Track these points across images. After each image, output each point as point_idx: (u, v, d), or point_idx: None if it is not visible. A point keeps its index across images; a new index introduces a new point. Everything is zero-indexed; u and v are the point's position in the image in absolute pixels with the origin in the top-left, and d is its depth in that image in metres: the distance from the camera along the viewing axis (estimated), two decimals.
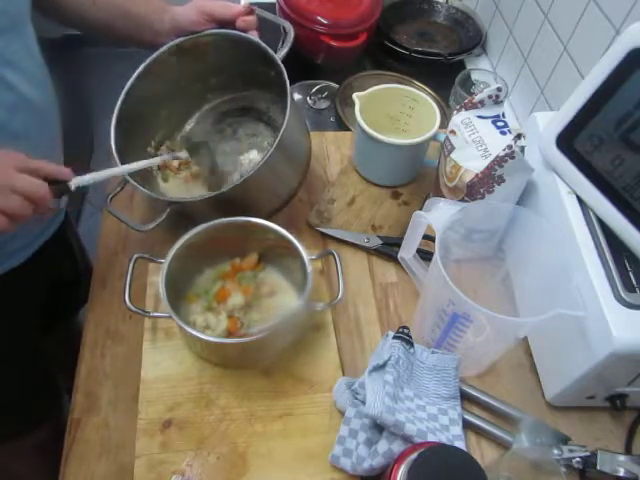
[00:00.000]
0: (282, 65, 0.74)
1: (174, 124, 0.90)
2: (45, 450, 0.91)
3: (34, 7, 0.68)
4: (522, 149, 0.71)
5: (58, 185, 0.62)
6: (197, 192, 0.84)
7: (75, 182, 0.64)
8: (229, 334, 0.71)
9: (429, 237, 0.75)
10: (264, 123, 0.91)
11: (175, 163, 0.85)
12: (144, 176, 0.80)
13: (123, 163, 0.74)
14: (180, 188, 0.85)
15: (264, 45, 0.75)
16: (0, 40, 0.62)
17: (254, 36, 0.77)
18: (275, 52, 0.76)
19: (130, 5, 0.77)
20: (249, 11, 0.77)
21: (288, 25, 0.78)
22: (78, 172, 0.65)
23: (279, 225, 0.73)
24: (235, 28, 0.77)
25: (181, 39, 0.79)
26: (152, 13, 0.78)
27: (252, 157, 0.88)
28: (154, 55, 0.79)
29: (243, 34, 0.77)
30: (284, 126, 0.71)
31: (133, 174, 0.74)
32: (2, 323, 0.80)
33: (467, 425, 0.69)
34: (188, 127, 0.91)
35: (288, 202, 0.83)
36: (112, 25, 0.78)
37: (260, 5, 0.82)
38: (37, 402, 0.96)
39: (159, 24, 0.78)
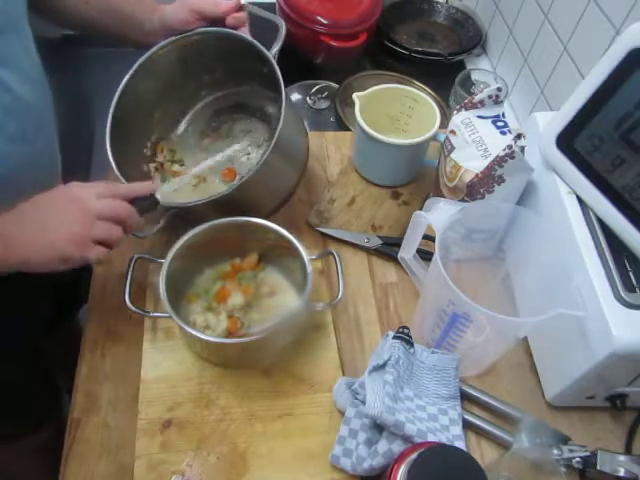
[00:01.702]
0: (274, 62, 0.74)
1: (168, 124, 0.90)
2: (46, 450, 0.91)
3: (28, 7, 0.68)
4: (522, 149, 0.71)
5: (146, 201, 0.66)
6: (195, 194, 0.84)
7: (160, 193, 0.68)
8: (229, 334, 0.71)
9: (429, 237, 0.75)
10: (259, 119, 0.91)
11: (175, 167, 0.86)
12: (143, 179, 0.80)
13: (119, 166, 0.73)
14: (178, 191, 0.85)
15: (256, 42, 0.75)
16: None
17: (245, 33, 0.77)
18: (269, 49, 0.75)
19: (121, 4, 0.77)
20: (239, 8, 0.77)
21: (280, 21, 0.78)
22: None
23: (279, 225, 0.73)
24: (225, 25, 0.77)
25: (172, 38, 0.79)
26: (142, 12, 0.78)
27: (250, 154, 0.88)
28: (145, 55, 0.79)
29: (234, 31, 0.77)
30: (280, 125, 0.71)
31: (131, 178, 0.73)
32: (1, 323, 0.80)
33: (467, 425, 0.69)
34: (182, 126, 0.92)
35: (287, 201, 0.83)
36: (104, 24, 0.78)
37: (260, 5, 0.82)
38: (37, 402, 0.96)
39: (149, 24, 0.78)
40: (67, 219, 0.59)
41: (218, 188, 0.85)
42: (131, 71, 0.79)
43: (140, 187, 0.66)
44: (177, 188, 0.75)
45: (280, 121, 0.71)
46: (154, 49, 0.79)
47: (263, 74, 0.80)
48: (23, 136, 0.67)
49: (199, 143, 0.91)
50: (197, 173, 0.86)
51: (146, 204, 0.66)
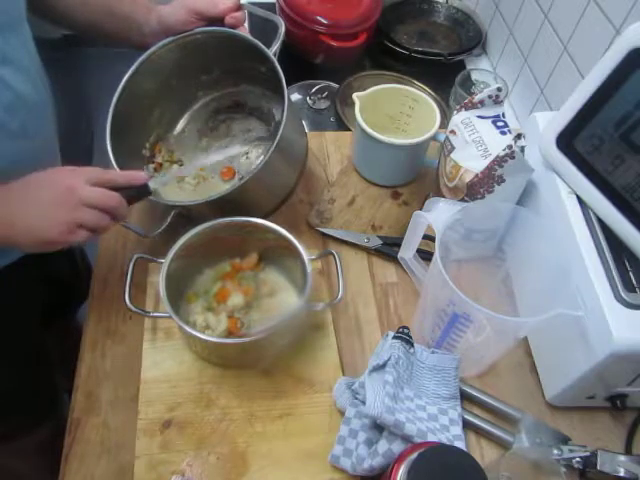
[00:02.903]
0: (275, 60, 0.74)
1: (166, 124, 0.90)
2: (46, 450, 0.91)
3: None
4: (522, 149, 0.71)
5: (138, 190, 0.66)
6: (195, 193, 0.85)
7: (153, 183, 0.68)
8: (229, 334, 0.71)
9: (429, 237, 0.75)
10: (256, 118, 0.91)
11: (175, 167, 0.86)
12: None
13: (120, 166, 0.74)
14: (177, 192, 0.86)
15: (256, 41, 0.75)
16: None
17: (244, 32, 0.77)
18: (269, 48, 0.75)
19: (117, 5, 0.77)
20: (237, 7, 0.77)
21: (279, 20, 0.78)
22: None
23: (279, 225, 0.72)
24: (224, 25, 0.77)
25: (171, 38, 0.79)
26: (138, 13, 0.78)
27: (249, 153, 0.88)
28: (145, 55, 0.79)
29: (234, 31, 0.77)
30: (282, 125, 0.71)
31: None
32: (1, 322, 0.80)
33: (467, 425, 0.69)
34: (180, 127, 0.92)
35: (286, 200, 0.83)
36: (100, 25, 0.79)
37: (260, 5, 0.82)
38: (37, 402, 0.96)
39: (146, 25, 0.78)
40: (52, 204, 0.59)
41: (218, 187, 0.85)
42: (130, 71, 0.79)
43: (133, 176, 0.66)
44: (169, 180, 0.75)
45: (283, 119, 0.71)
46: (153, 49, 0.79)
47: (262, 73, 0.81)
48: (24, 133, 0.68)
49: (197, 143, 0.91)
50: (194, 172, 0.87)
51: (135, 193, 0.66)
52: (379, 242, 0.86)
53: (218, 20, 0.77)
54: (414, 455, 0.53)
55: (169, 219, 0.73)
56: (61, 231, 0.59)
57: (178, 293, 0.73)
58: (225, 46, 0.80)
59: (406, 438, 0.62)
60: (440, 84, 1.19)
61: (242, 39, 0.77)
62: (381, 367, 0.66)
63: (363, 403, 0.65)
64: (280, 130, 0.71)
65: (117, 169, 0.73)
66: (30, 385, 0.92)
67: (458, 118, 0.79)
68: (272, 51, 0.75)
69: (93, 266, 0.83)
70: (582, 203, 0.69)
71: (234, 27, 0.77)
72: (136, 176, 0.66)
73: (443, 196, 0.82)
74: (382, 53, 1.31)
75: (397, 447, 0.61)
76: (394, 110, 0.97)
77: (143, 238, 0.73)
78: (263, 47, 0.75)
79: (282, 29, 0.77)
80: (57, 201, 0.59)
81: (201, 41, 0.80)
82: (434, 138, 0.88)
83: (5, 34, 0.63)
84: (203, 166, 0.88)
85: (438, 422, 0.66)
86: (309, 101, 1.21)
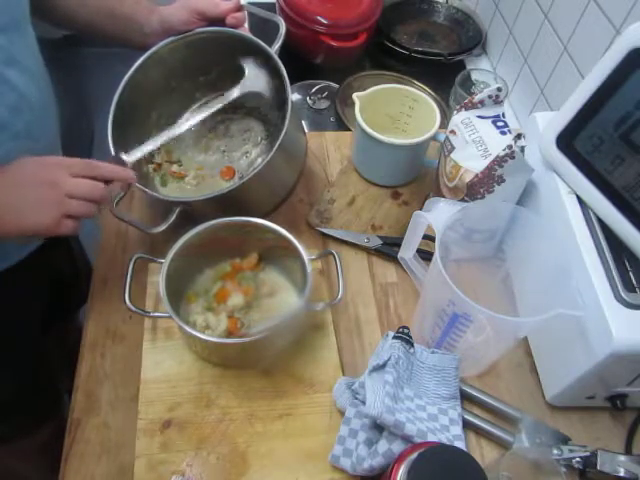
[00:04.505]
0: (277, 58, 0.74)
1: (164, 125, 0.90)
2: (46, 450, 0.91)
3: None
4: (522, 149, 0.71)
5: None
6: (195, 192, 0.85)
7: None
8: (229, 334, 0.71)
9: (429, 237, 0.75)
10: (255, 118, 0.91)
11: (174, 167, 0.86)
12: (143, 181, 0.80)
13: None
14: (177, 192, 0.86)
15: (258, 40, 0.76)
16: (3, 39, 0.62)
17: (245, 32, 0.78)
18: (270, 47, 0.76)
19: (118, 6, 0.78)
20: (238, 8, 0.78)
21: (279, 19, 0.79)
22: None
23: (279, 225, 0.72)
24: (225, 25, 0.78)
25: (172, 38, 0.79)
26: (139, 14, 0.78)
27: (248, 153, 0.89)
28: (146, 55, 0.79)
29: (235, 30, 0.77)
30: (287, 122, 0.71)
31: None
32: (1, 322, 0.80)
33: (467, 425, 0.69)
34: (178, 127, 0.92)
35: (286, 199, 0.83)
36: (101, 26, 0.79)
37: (260, 5, 0.82)
38: (38, 403, 0.96)
39: (147, 25, 0.79)
40: (38, 200, 0.59)
41: (218, 186, 0.85)
42: (130, 71, 0.79)
43: (118, 173, 0.66)
44: (145, 153, 0.76)
45: (287, 116, 0.71)
46: (155, 48, 0.79)
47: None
48: (28, 134, 0.68)
49: (196, 143, 0.91)
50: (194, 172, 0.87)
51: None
52: (379, 242, 0.86)
53: (219, 20, 0.78)
54: (414, 455, 0.53)
55: (174, 215, 0.73)
56: (48, 225, 0.60)
57: (178, 293, 0.73)
58: (226, 46, 0.80)
59: (406, 438, 0.62)
60: (440, 84, 1.19)
61: (243, 38, 0.77)
62: (381, 367, 0.66)
63: (363, 403, 0.65)
64: (284, 127, 0.71)
65: None
66: (31, 386, 0.92)
67: (458, 118, 0.79)
68: (274, 50, 0.76)
69: (93, 266, 0.84)
70: (582, 203, 0.69)
71: (235, 27, 0.78)
72: (123, 173, 0.66)
73: (443, 196, 0.82)
74: (382, 53, 1.31)
75: (397, 447, 0.61)
76: (394, 110, 0.97)
77: (146, 235, 0.74)
78: (265, 45, 0.75)
79: (283, 29, 0.78)
80: (42, 197, 0.59)
81: (202, 41, 0.80)
82: (434, 138, 0.88)
83: (9, 35, 0.63)
84: (202, 165, 0.88)
85: (438, 422, 0.66)
86: (309, 101, 1.21)
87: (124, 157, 0.69)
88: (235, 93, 0.83)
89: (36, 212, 0.59)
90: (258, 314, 0.74)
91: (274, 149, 0.71)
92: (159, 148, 0.89)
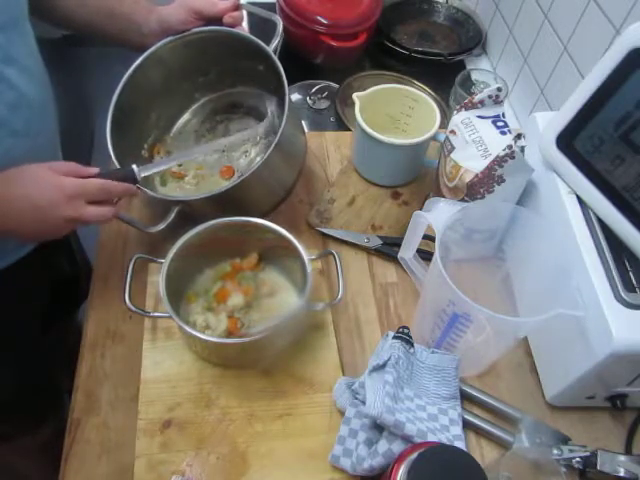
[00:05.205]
0: (275, 57, 0.74)
1: (163, 125, 0.90)
2: (46, 450, 0.91)
3: None
4: (522, 149, 0.71)
5: (124, 178, 0.68)
6: (194, 192, 0.85)
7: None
8: (229, 334, 0.71)
9: (429, 237, 0.75)
10: (254, 118, 0.91)
11: (174, 168, 0.86)
12: (143, 180, 0.80)
13: (120, 164, 0.74)
14: (177, 191, 0.86)
15: (255, 39, 0.76)
16: (2, 38, 0.62)
17: (243, 31, 0.78)
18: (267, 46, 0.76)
19: (117, 6, 0.78)
20: (236, 7, 0.78)
21: (277, 18, 0.79)
22: None
23: (279, 225, 0.72)
24: (222, 24, 0.78)
25: (170, 38, 0.79)
26: (138, 14, 0.78)
27: (248, 152, 0.89)
28: (145, 55, 0.79)
29: (233, 29, 0.78)
30: (284, 121, 0.71)
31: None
32: (1, 322, 0.80)
33: (467, 425, 0.69)
34: (178, 128, 0.92)
35: (286, 199, 0.83)
36: (100, 26, 0.79)
37: (260, 5, 0.82)
38: (38, 402, 0.96)
39: (146, 25, 0.79)
40: (45, 207, 0.61)
41: (218, 185, 0.85)
42: (129, 71, 0.79)
43: (129, 190, 0.68)
44: (155, 167, 0.76)
45: (284, 114, 0.72)
46: (153, 49, 0.79)
47: (260, 73, 0.81)
48: (27, 131, 0.68)
49: (195, 144, 0.91)
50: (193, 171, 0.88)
51: (122, 180, 0.68)
52: (379, 242, 0.86)
53: (217, 19, 0.78)
54: (414, 455, 0.53)
55: (172, 214, 0.73)
56: (48, 232, 0.65)
57: (178, 293, 0.73)
58: (225, 45, 0.80)
59: (406, 438, 0.62)
60: (440, 84, 1.19)
61: (241, 37, 0.77)
62: (381, 367, 0.66)
63: (363, 403, 0.65)
64: (282, 126, 0.71)
65: (118, 166, 0.73)
66: (31, 385, 0.92)
67: (458, 118, 0.79)
68: (271, 48, 0.76)
69: (93, 266, 0.83)
70: (582, 203, 0.69)
71: (232, 26, 0.78)
72: (132, 190, 0.68)
73: (443, 196, 0.82)
74: (382, 53, 1.31)
75: (397, 447, 0.61)
76: (394, 110, 0.97)
77: (146, 234, 0.74)
78: (263, 44, 0.75)
79: (280, 27, 0.78)
80: (61, 225, 0.63)
81: (200, 40, 0.80)
82: (434, 138, 0.88)
83: (8, 33, 0.63)
84: (201, 164, 0.88)
85: (438, 422, 0.66)
86: (309, 101, 1.21)
87: (135, 169, 0.68)
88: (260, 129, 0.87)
89: (51, 235, 0.66)
90: (258, 314, 0.74)
91: (271, 148, 0.71)
92: (158, 145, 0.89)
